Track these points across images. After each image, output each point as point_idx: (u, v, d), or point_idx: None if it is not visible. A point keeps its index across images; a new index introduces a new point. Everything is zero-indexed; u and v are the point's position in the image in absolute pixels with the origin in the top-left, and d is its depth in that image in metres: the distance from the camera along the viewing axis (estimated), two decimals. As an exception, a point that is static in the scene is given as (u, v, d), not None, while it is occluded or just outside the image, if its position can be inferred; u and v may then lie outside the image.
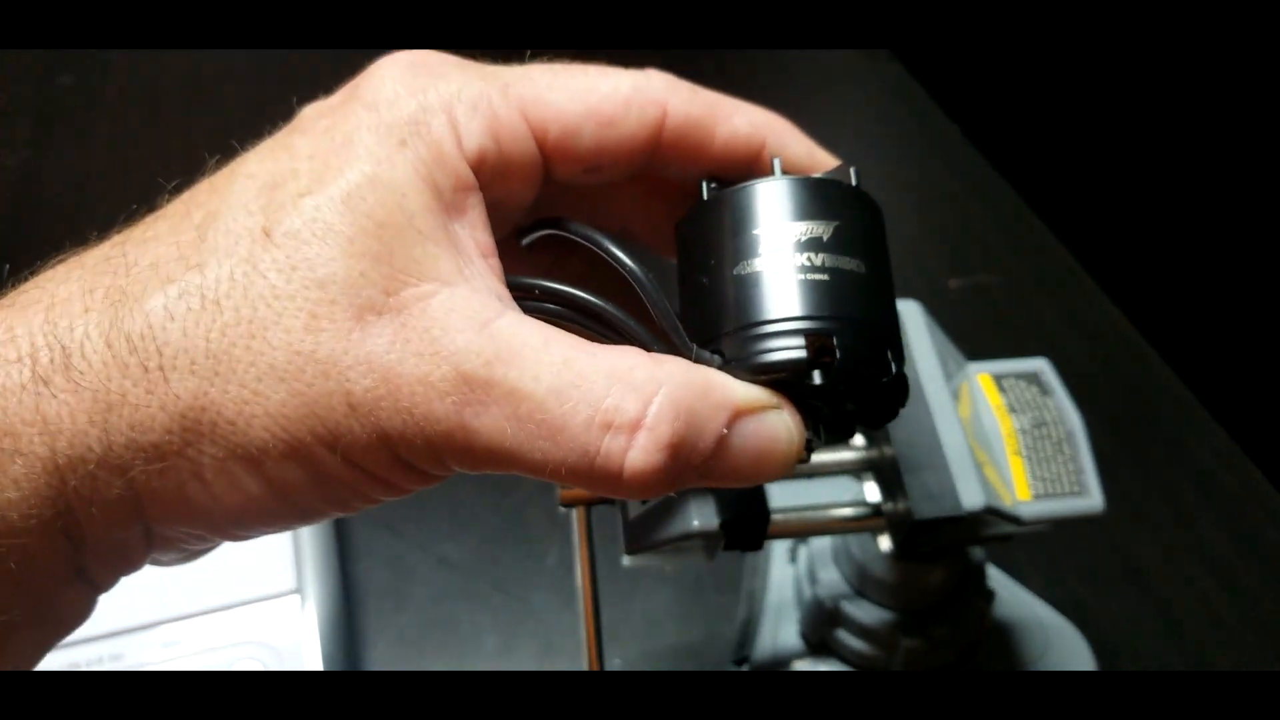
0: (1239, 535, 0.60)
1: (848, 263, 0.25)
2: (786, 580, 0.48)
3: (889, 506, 0.38)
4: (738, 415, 0.24)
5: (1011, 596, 0.49)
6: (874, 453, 0.39)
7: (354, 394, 0.22)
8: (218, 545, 0.25)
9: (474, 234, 0.25)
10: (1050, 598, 0.50)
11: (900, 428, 0.37)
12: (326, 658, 0.50)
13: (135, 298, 0.22)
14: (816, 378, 0.24)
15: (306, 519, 0.24)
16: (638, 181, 0.30)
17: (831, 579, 0.43)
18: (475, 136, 0.25)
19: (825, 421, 0.26)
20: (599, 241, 0.27)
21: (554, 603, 0.56)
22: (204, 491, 0.22)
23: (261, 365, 0.21)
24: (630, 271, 0.26)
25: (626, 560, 0.36)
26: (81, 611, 0.24)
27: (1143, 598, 0.57)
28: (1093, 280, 0.75)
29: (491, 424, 0.22)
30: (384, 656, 0.54)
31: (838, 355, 0.24)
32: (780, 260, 0.25)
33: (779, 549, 0.49)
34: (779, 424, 0.24)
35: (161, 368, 0.21)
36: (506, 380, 0.22)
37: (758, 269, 0.25)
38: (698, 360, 0.25)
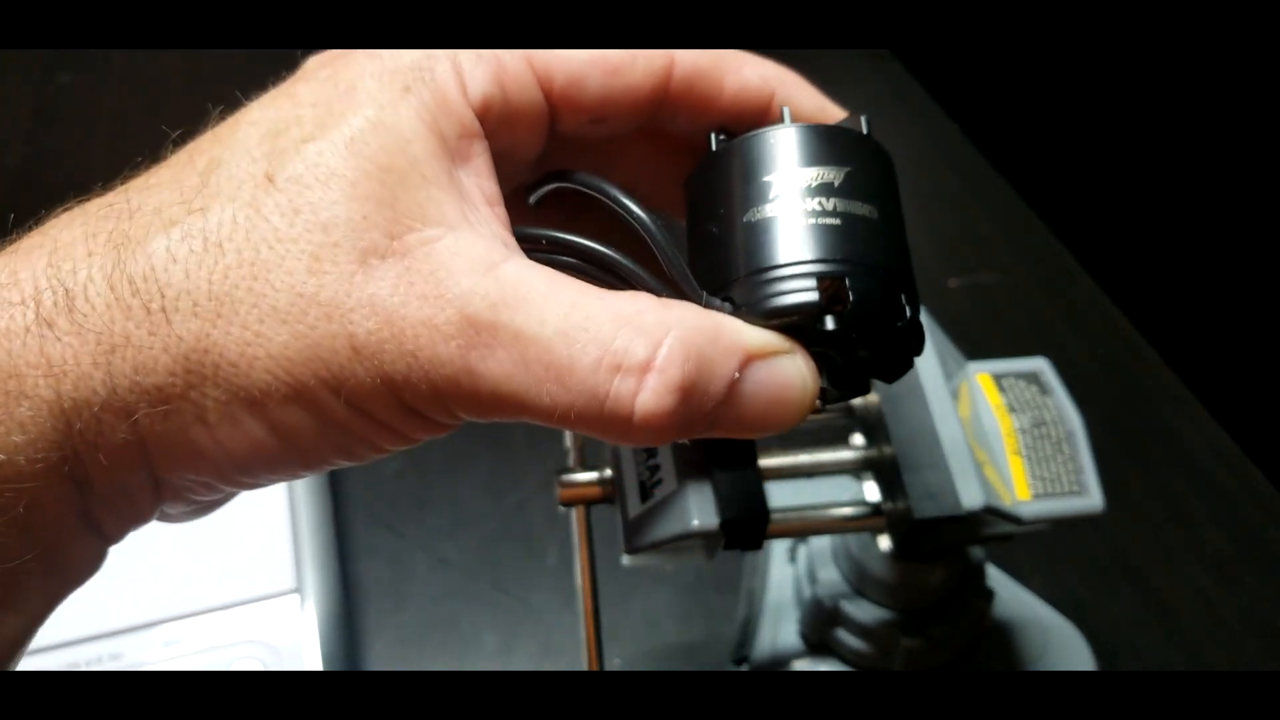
0: (1238, 535, 0.60)
1: (860, 208, 0.25)
2: (786, 580, 0.48)
3: (888, 506, 0.38)
4: (749, 360, 0.23)
5: (1011, 596, 0.50)
6: (873, 452, 0.39)
7: (357, 336, 0.21)
8: (227, 498, 0.25)
9: (479, 181, 0.25)
10: (1050, 597, 0.50)
11: (900, 427, 0.37)
12: (326, 657, 0.50)
13: (138, 240, 0.22)
14: (830, 322, 0.24)
15: (313, 466, 0.24)
16: (645, 139, 0.30)
17: (831, 578, 0.43)
18: (480, 83, 0.25)
19: (839, 373, 0.25)
20: (605, 189, 0.27)
21: (554, 603, 0.56)
22: (208, 435, 0.22)
23: (264, 307, 0.21)
24: (637, 218, 0.26)
25: (626, 560, 0.36)
26: (91, 563, 0.23)
27: (1142, 597, 0.57)
28: (1092, 280, 0.75)
29: (498, 367, 0.22)
30: (384, 656, 0.54)
31: (851, 298, 0.24)
32: (791, 205, 0.25)
33: (779, 549, 0.49)
34: (792, 369, 0.24)
35: (164, 309, 0.21)
36: (513, 323, 0.22)
37: (769, 214, 0.25)
38: (708, 307, 0.24)
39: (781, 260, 0.24)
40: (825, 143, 0.25)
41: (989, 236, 0.79)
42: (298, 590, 0.51)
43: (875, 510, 0.39)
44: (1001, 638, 0.47)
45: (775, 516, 0.38)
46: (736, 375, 0.23)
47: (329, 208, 0.22)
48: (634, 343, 0.22)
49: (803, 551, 0.46)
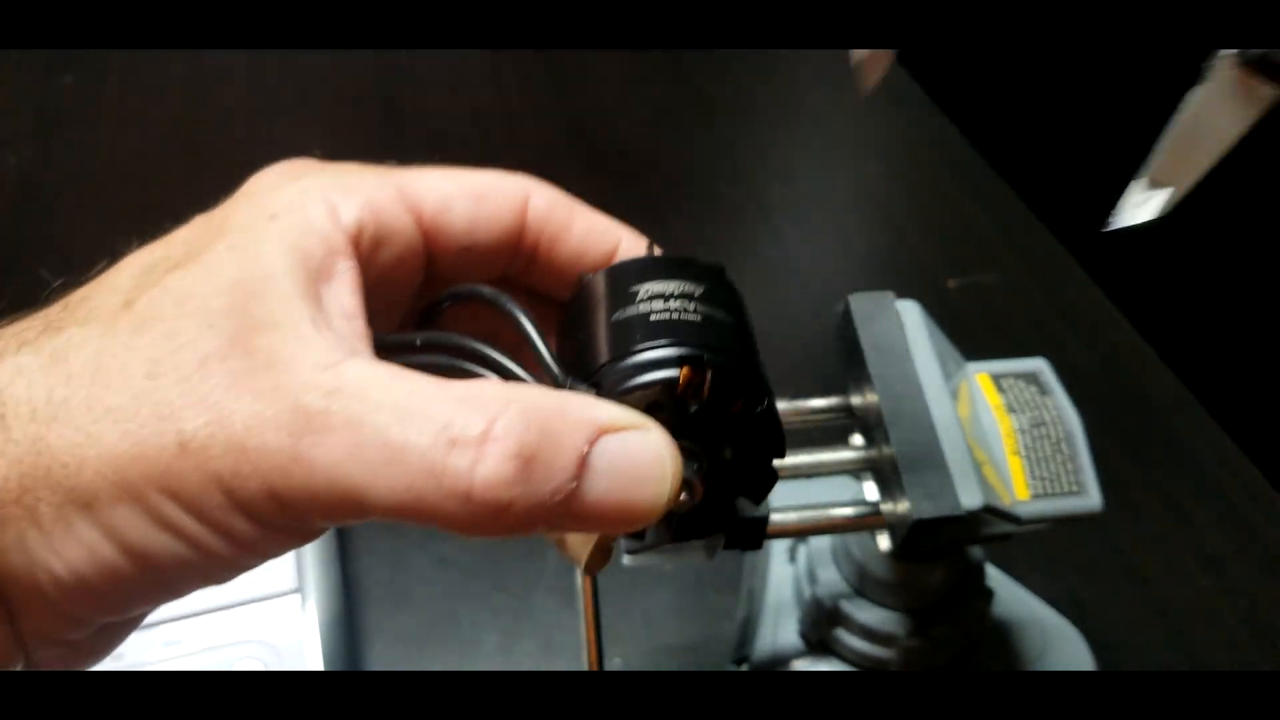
0: (1237, 534, 0.60)
1: (718, 313, 0.26)
2: (786, 579, 0.48)
3: (888, 506, 0.38)
4: (600, 433, 0.22)
5: (1010, 596, 0.50)
6: (873, 452, 0.39)
7: (185, 431, 0.21)
8: (110, 642, 0.25)
9: (340, 296, 0.25)
10: (1049, 597, 0.50)
11: (899, 427, 0.37)
12: (327, 657, 0.50)
13: None
14: (690, 405, 0.24)
15: (168, 588, 0.23)
16: (518, 291, 0.31)
17: (831, 578, 0.44)
18: (351, 210, 0.26)
19: (704, 474, 0.25)
20: (479, 290, 0.28)
21: (554, 602, 0.56)
22: (46, 546, 0.21)
23: (99, 409, 0.22)
24: (504, 308, 0.27)
25: (627, 559, 0.36)
26: None
27: (1141, 597, 0.57)
28: (1092, 280, 0.75)
29: (329, 454, 0.21)
30: (384, 656, 0.55)
31: (710, 377, 0.24)
32: (656, 305, 0.26)
33: (778, 548, 0.49)
34: (648, 441, 0.23)
35: (4, 417, 0.22)
36: (347, 409, 0.21)
37: (634, 313, 0.26)
38: (571, 390, 0.24)
39: (644, 345, 0.24)
40: (688, 265, 0.27)
41: (988, 236, 0.79)
42: (299, 590, 0.51)
43: (875, 510, 0.39)
44: (1001, 637, 0.47)
45: (775, 516, 0.38)
46: (586, 449, 0.22)
47: (175, 319, 0.23)
48: (470, 417, 0.21)
49: (802, 551, 0.46)
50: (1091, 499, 0.38)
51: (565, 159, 0.86)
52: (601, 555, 0.29)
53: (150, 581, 0.23)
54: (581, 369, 0.25)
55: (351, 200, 0.26)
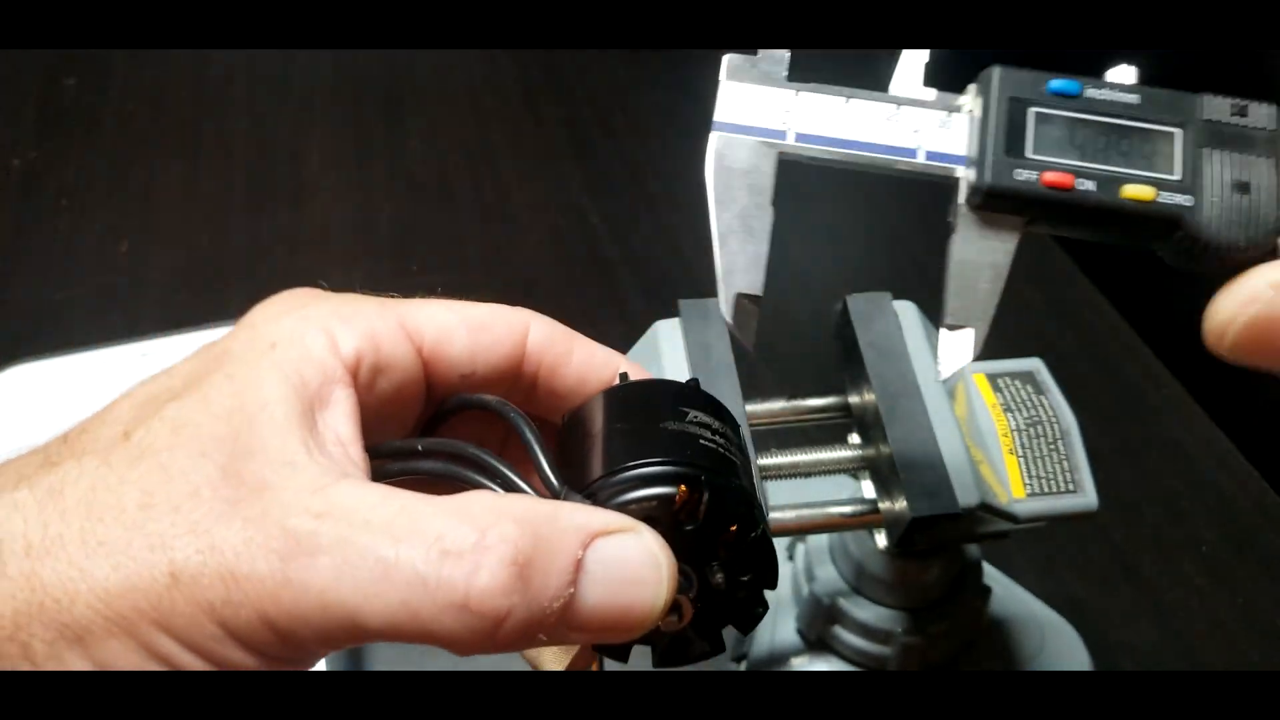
0: (1233, 533, 0.60)
1: (717, 437, 0.26)
2: (784, 577, 0.49)
3: (885, 504, 0.39)
4: (593, 538, 0.22)
5: (1007, 593, 0.50)
6: (871, 451, 0.40)
7: (176, 561, 0.21)
8: None
9: (336, 422, 0.25)
10: (1045, 594, 0.51)
11: (897, 426, 0.38)
12: (327, 657, 0.50)
13: None
14: (685, 523, 0.24)
15: None
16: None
17: (829, 576, 0.44)
18: (350, 339, 0.26)
19: (694, 598, 0.25)
20: (484, 400, 0.28)
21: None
22: None
23: (91, 543, 0.22)
24: (506, 414, 0.27)
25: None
26: None
27: (1137, 595, 0.57)
28: (1088, 280, 0.76)
29: (320, 575, 0.21)
30: (384, 656, 0.55)
31: (706, 497, 0.24)
32: (654, 424, 0.25)
33: (777, 546, 0.49)
34: (642, 543, 0.23)
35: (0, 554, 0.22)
36: (336, 530, 0.21)
37: (632, 430, 0.26)
38: (566, 500, 0.24)
39: (642, 459, 0.24)
40: (686, 389, 0.27)
41: (987, 236, 0.79)
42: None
43: (872, 508, 0.39)
44: (998, 635, 0.48)
45: (773, 514, 0.38)
46: (581, 554, 0.22)
47: (170, 451, 0.23)
48: (461, 529, 0.21)
49: (801, 549, 0.46)
50: (1087, 497, 0.38)
51: (565, 159, 0.86)
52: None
53: None
54: (578, 482, 0.25)
55: (351, 330, 0.26)
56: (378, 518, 0.22)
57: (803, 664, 0.45)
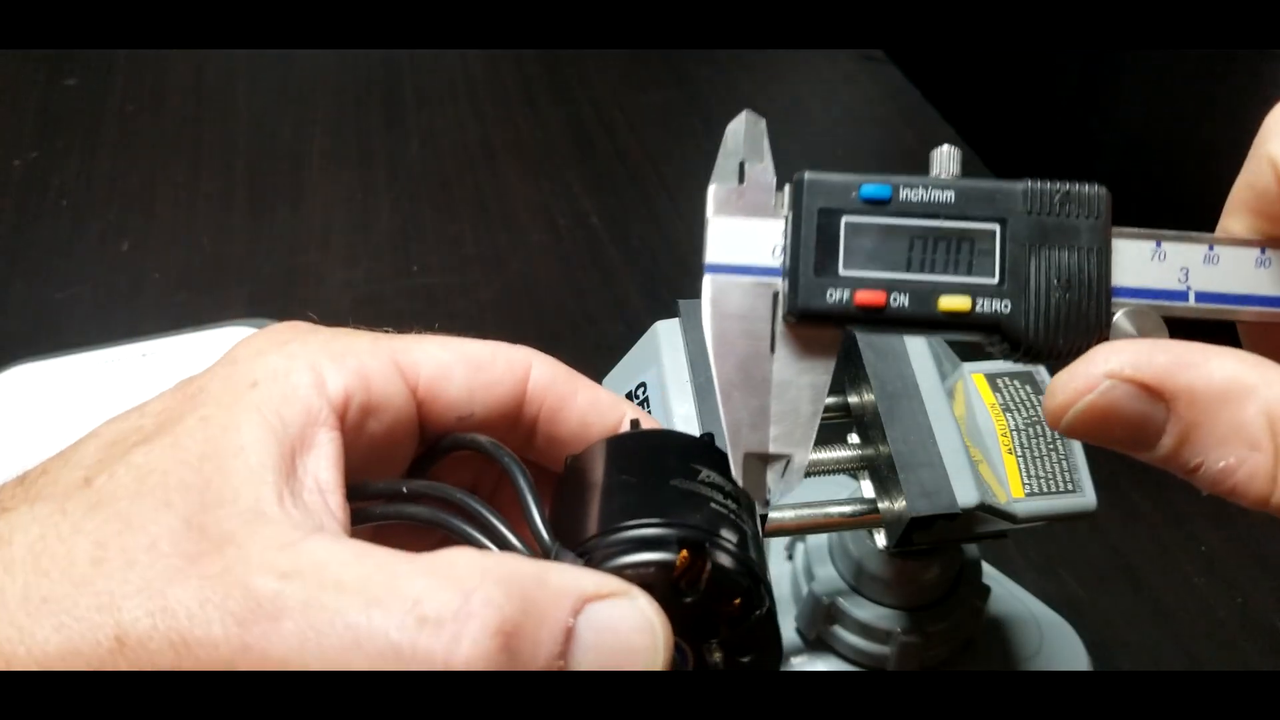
0: (1232, 533, 0.60)
1: (730, 505, 0.24)
2: (783, 576, 0.49)
3: (884, 504, 0.39)
4: (585, 602, 0.21)
5: (1006, 593, 0.50)
6: (870, 451, 0.40)
7: (123, 624, 0.19)
8: None
9: (316, 469, 0.23)
10: (1044, 594, 0.51)
11: (895, 426, 0.38)
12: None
13: None
14: (685, 593, 0.22)
15: None
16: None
17: (828, 575, 0.44)
18: (339, 377, 0.24)
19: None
20: (477, 440, 0.26)
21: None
22: None
23: (35, 599, 0.20)
24: (499, 459, 0.25)
25: None
26: None
27: (1136, 594, 0.57)
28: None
29: (283, 644, 0.19)
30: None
31: (710, 567, 0.22)
32: (658, 481, 0.24)
33: (776, 546, 0.49)
34: (636, 609, 0.21)
35: None
36: (303, 592, 0.19)
37: (633, 485, 0.24)
38: (556, 559, 0.23)
39: (643, 518, 0.23)
40: (696, 446, 0.26)
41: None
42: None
43: (871, 508, 0.39)
44: (996, 635, 0.48)
45: (772, 514, 0.38)
46: (571, 622, 0.21)
47: (131, 499, 0.21)
48: (441, 593, 0.20)
49: (800, 548, 0.46)
50: (1086, 497, 0.38)
51: (565, 159, 0.87)
52: None
53: None
54: (572, 539, 0.23)
55: (340, 368, 0.24)
56: (350, 577, 0.20)
57: (802, 664, 0.45)
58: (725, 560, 0.22)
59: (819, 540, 0.45)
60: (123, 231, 0.78)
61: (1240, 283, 0.24)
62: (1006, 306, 0.23)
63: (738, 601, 0.23)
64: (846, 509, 0.39)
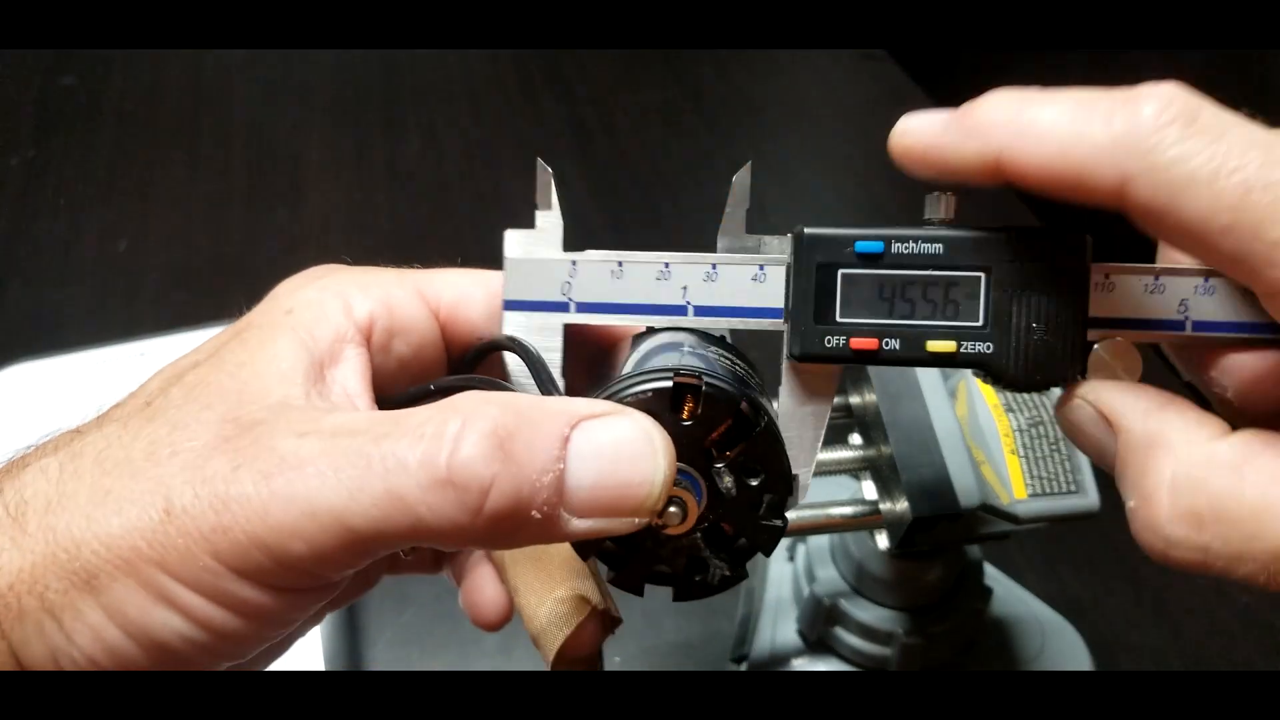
0: (1235, 533, 0.60)
1: (748, 370, 0.27)
2: (785, 578, 0.49)
3: (886, 505, 0.39)
4: (580, 419, 0.22)
5: (1008, 594, 0.50)
6: (871, 451, 0.40)
7: (170, 500, 0.22)
8: None
9: (345, 379, 0.26)
10: (1046, 595, 0.51)
11: (897, 427, 0.38)
12: (327, 657, 0.50)
13: (23, 466, 0.24)
14: (684, 416, 0.24)
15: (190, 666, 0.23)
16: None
17: (829, 576, 0.44)
18: (365, 303, 0.28)
19: (703, 503, 0.25)
20: (497, 341, 0.28)
21: (554, 601, 0.57)
22: (60, 634, 0.22)
23: (99, 494, 0.22)
24: (526, 350, 0.28)
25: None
26: None
27: (1138, 595, 0.57)
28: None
29: (305, 484, 0.21)
30: (384, 656, 0.55)
31: (704, 388, 0.24)
32: (683, 350, 0.26)
33: (778, 547, 0.49)
34: (633, 423, 0.23)
35: (24, 514, 0.23)
36: (320, 443, 0.22)
37: (657, 356, 0.26)
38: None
39: (648, 367, 0.25)
40: (723, 340, 0.28)
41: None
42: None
43: (873, 509, 0.39)
44: (999, 635, 0.48)
45: (773, 516, 0.38)
46: (568, 432, 0.22)
47: (180, 407, 0.24)
48: (443, 416, 0.22)
49: (801, 550, 0.46)
50: (1089, 498, 0.38)
51: (565, 159, 0.86)
52: (581, 655, 0.28)
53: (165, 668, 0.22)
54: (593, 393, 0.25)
55: (366, 296, 0.28)
56: (363, 424, 0.22)
57: (803, 665, 0.45)
58: (717, 382, 0.24)
59: (820, 541, 0.45)
60: (121, 231, 0.78)
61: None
62: (989, 348, 0.26)
63: (731, 420, 0.24)
64: (848, 510, 0.39)
